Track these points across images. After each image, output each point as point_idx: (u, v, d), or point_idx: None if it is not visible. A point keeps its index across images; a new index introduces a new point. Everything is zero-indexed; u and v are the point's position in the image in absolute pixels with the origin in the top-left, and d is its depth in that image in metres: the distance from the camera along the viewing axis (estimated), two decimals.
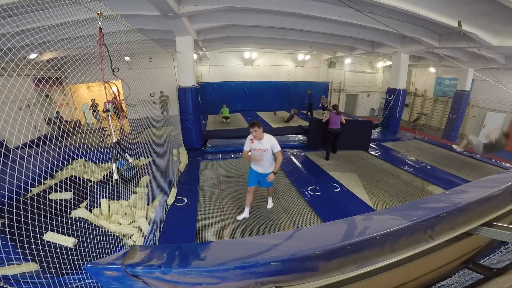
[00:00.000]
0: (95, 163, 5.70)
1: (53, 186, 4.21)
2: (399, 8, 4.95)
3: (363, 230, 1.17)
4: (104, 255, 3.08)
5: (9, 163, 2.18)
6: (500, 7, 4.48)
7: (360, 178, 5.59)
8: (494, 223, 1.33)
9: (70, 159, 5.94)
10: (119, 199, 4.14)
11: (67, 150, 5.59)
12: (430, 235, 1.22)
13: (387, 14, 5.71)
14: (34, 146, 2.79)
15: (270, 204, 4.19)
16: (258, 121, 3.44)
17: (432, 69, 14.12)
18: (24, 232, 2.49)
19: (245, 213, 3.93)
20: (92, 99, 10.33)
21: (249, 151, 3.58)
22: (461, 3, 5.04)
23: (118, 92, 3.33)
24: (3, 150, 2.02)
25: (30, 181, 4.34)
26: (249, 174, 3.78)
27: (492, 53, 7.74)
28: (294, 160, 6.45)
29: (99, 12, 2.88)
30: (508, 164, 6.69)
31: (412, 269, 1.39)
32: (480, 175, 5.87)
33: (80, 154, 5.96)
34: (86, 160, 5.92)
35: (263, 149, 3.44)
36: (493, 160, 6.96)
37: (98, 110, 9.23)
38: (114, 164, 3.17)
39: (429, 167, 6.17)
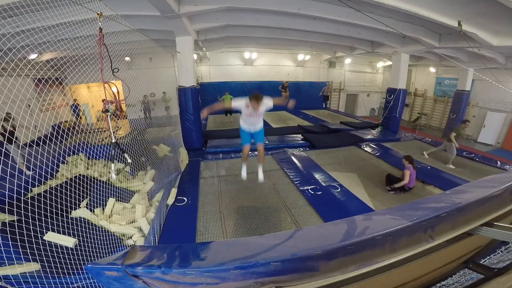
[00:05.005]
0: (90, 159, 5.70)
1: (54, 187, 4.21)
2: (399, 8, 4.94)
3: (363, 230, 1.17)
4: (105, 255, 3.08)
5: (10, 162, 2.19)
6: (500, 7, 4.48)
7: (360, 178, 5.58)
8: (495, 223, 1.33)
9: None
10: (122, 200, 4.15)
11: (67, 150, 5.59)
12: (430, 235, 1.22)
13: (387, 14, 5.71)
14: (35, 146, 2.79)
15: (260, 175, 3.89)
16: (260, 94, 3.33)
17: (432, 69, 14.11)
18: (25, 232, 2.49)
19: (244, 172, 3.90)
20: (74, 99, 10.20)
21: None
22: (461, 3, 5.04)
23: (118, 92, 3.33)
24: (3, 150, 2.02)
25: (30, 180, 4.34)
26: (241, 134, 3.74)
27: (492, 53, 7.73)
28: (295, 159, 6.44)
29: (99, 12, 2.88)
30: (508, 165, 6.68)
31: (413, 269, 1.39)
32: (480, 175, 5.87)
33: (78, 152, 5.96)
34: (87, 158, 5.92)
35: (258, 115, 3.46)
36: (493, 160, 6.96)
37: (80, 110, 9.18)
38: (112, 164, 3.17)
39: (429, 167, 6.17)
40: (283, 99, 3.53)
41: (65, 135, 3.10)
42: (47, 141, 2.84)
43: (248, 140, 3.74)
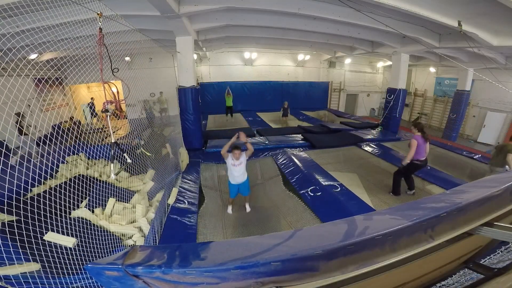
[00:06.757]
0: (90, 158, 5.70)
1: (54, 187, 4.20)
2: (399, 8, 4.94)
3: (363, 230, 1.17)
4: (105, 255, 3.08)
5: (10, 162, 2.19)
6: (500, 7, 4.48)
7: (361, 178, 5.58)
8: (495, 223, 1.33)
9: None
10: (122, 200, 4.15)
11: (66, 150, 5.59)
12: (430, 235, 1.22)
13: (387, 14, 5.71)
14: (35, 146, 2.79)
15: (248, 208, 4.48)
16: (239, 145, 3.96)
17: (432, 69, 14.10)
18: (25, 232, 2.49)
19: (229, 210, 4.42)
20: (91, 98, 10.36)
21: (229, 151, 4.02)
22: (461, 3, 5.03)
23: (118, 92, 3.32)
24: (3, 150, 2.02)
25: (30, 180, 4.34)
26: (229, 187, 4.25)
27: (492, 53, 7.73)
28: (295, 160, 6.44)
29: (99, 12, 2.88)
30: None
31: (413, 269, 1.39)
32: (480, 175, 5.87)
33: (78, 152, 5.96)
34: (88, 158, 5.92)
35: (240, 164, 4.00)
36: None
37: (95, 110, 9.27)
38: (112, 164, 3.16)
39: (429, 167, 6.16)
40: (249, 152, 4.10)
41: (65, 136, 3.10)
42: (47, 141, 2.84)
43: (235, 194, 4.28)
